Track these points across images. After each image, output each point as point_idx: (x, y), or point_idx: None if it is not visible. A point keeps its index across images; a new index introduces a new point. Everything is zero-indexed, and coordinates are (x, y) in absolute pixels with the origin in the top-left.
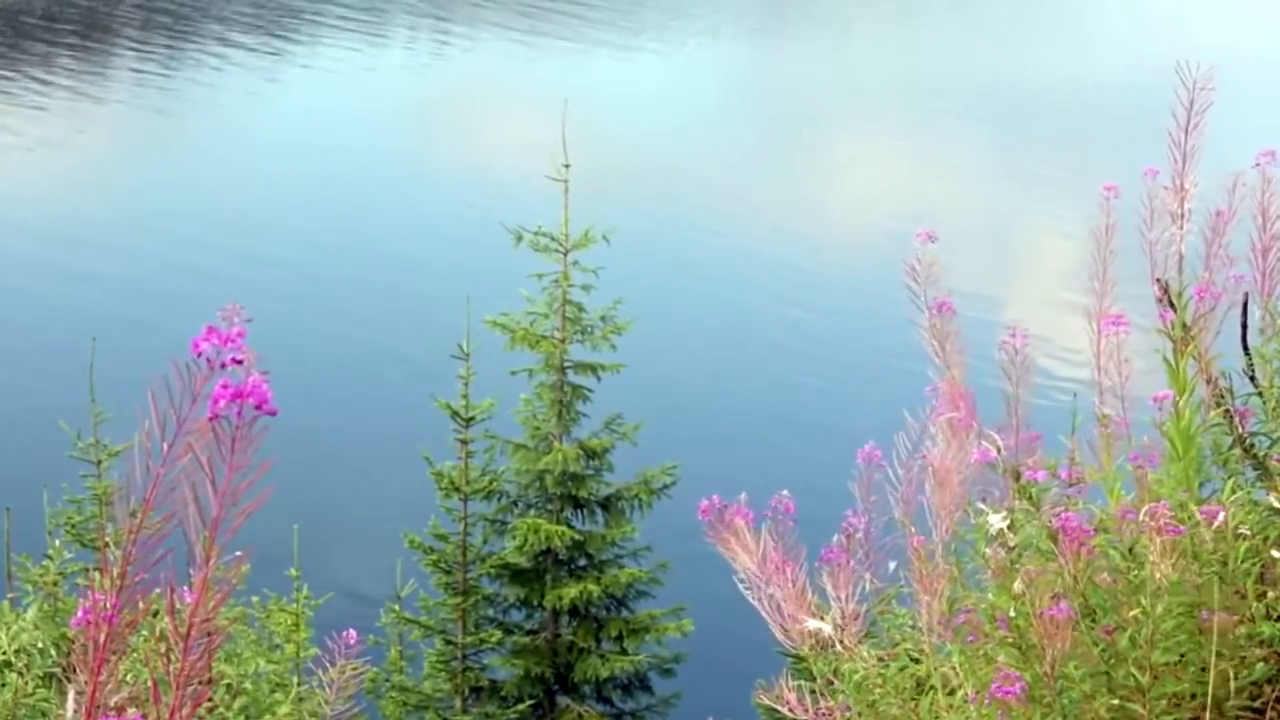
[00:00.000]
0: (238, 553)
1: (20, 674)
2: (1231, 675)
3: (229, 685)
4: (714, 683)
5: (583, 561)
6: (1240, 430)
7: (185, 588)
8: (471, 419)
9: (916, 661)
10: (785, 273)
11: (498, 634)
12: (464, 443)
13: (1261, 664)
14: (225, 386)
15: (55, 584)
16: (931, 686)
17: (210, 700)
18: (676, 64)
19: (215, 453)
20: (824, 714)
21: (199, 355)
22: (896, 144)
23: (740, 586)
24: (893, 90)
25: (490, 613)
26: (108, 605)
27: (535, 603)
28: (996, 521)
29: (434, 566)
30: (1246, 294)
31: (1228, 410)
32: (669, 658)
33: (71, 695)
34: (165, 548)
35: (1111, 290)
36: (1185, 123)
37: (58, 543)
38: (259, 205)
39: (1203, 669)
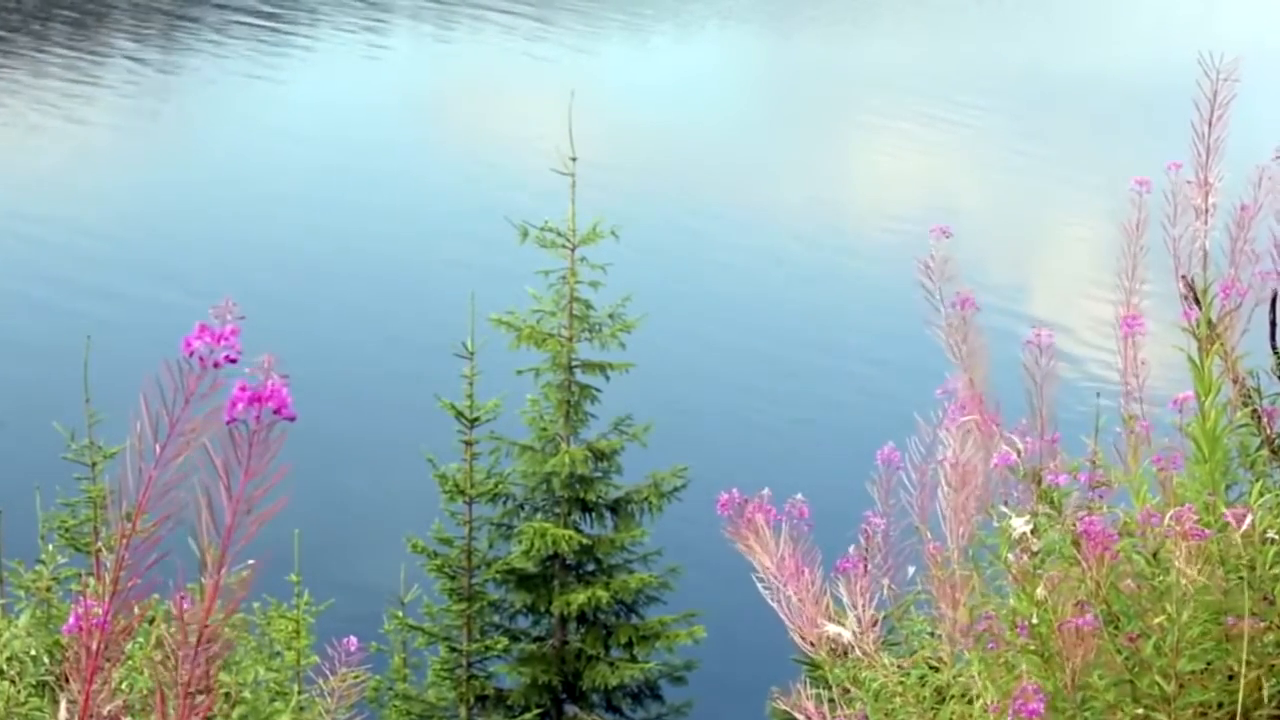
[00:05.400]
0: (250, 561)
1: (12, 682)
2: (1260, 683)
3: (227, 694)
4: (727, 691)
5: (591, 566)
6: (1269, 431)
7: (182, 595)
8: (476, 419)
9: (936, 669)
10: (800, 268)
11: (504, 641)
12: (468, 444)
13: None
14: (243, 389)
15: (48, 589)
16: (952, 695)
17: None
18: (691, 50)
19: (230, 457)
20: None
21: (191, 354)
22: (917, 135)
23: (759, 586)
24: (914, 79)
25: (496, 619)
26: (101, 611)
27: (542, 609)
28: (1020, 525)
29: (438, 571)
30: (1276, 291)
31: (1255, 410)
32: (680, 665)
33: (64, 704)
34: (160, 552)
35: (1139, 288)
36: (1209, 115)
37: (51, 547)
38: (257, 200)
39: (1230, 677)
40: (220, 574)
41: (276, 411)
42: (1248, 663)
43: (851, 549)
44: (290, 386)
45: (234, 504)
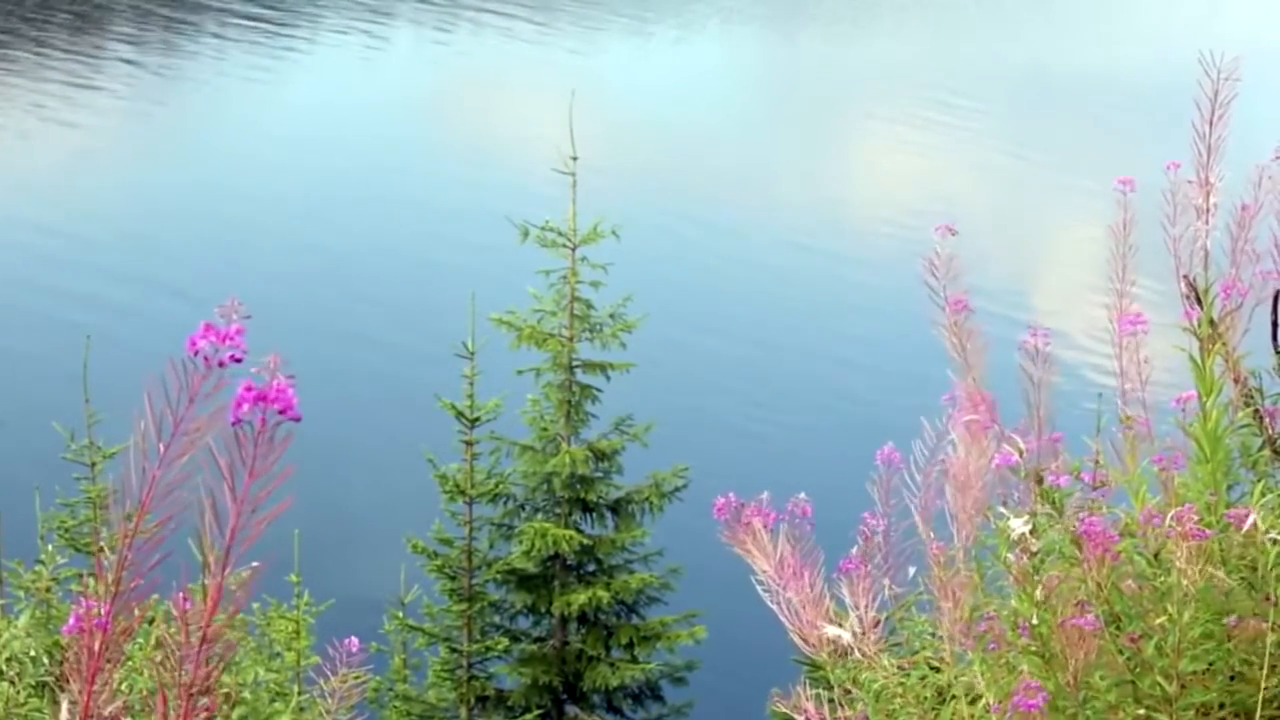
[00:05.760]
0: (254, 564)
1: (12, 683)
2: (1264, 684)
3: (227, 694)
4: (728, 692)
5: (592, 567)
6: (1270, 431)
7: (182, 595)
8: (476, 419)
9: (937, 670)
10: (802, 269)
11: (504, 642)
12: (469, 444)
13: None
14: (249, 390)
15: (48, 590)
16: (953, 695)
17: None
18: (692, 50)
19: (235, 457)
20: None
21: (196, 354)
22: (917, 136)
23: (759, 589)
24: (915, 79)
25: (496, 620)
26: (101, 612)
27: (543, 609)
28: (1019, 526)
29: (438, 572)
30: (1277, 290)
31: (1257, 410)
32: (681, 666)
33: (64, 705)
34: (162, 552)
35: (1132, 288)
36: (1210, 114)
37: (50, 547)
38: (258, 199)
39: (1231, 677)
40: (224, 575)
41: (282, 412)
42: (1250, 663)
43: (854, 550)
44: (294, 386)
45: (239, 505)
